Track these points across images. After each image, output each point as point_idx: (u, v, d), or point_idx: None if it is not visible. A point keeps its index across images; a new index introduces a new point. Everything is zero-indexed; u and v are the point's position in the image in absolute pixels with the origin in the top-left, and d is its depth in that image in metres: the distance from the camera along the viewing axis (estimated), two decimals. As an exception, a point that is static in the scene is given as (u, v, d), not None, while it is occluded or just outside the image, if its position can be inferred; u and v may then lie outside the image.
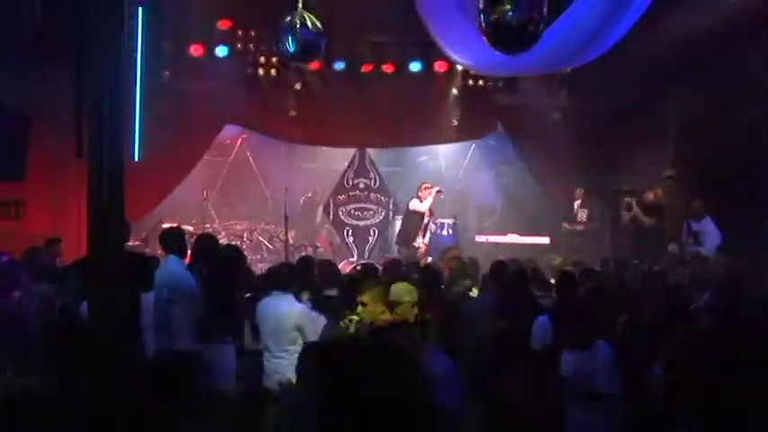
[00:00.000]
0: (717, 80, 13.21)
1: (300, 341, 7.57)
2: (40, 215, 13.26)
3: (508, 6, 7.93)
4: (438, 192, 14.99)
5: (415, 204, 14.95)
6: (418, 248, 14.82)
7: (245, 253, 13.86)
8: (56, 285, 8.18)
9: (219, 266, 7.77)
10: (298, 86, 14.88)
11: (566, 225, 15.73)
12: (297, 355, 6.84)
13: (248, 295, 8.37)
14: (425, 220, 15.00)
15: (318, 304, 8.25)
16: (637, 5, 10.60)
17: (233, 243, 13.21)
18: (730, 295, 7.90)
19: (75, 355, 6.48)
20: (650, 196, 14.72)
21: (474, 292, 9.50)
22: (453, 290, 9.37)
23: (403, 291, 7.52)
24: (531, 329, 7.52)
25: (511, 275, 9.12)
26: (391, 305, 7.36)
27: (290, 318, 7.62)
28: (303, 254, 13.21)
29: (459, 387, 5.75)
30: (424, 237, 14.98)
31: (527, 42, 8.52)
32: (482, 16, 8.48)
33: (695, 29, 11.99)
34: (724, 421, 5.10)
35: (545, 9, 8.38)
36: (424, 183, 15.41)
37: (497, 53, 9.21)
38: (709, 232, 13.34)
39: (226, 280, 7.66)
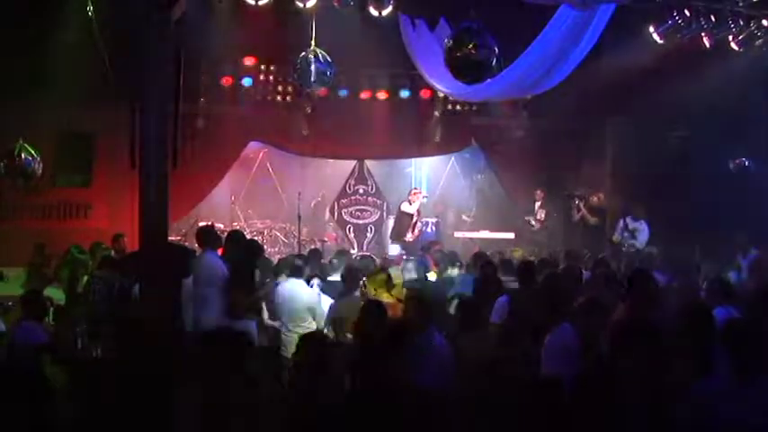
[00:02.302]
0: (647, 106, 13.38)
1: (311, 319, 7.72)
2: (103, 215, 13.45)
3: (471, 47, 8.01)
4: (424, 197, 15.10)
5: (405, 206, 15.05)
6: (408, 242, 14.91)
7: (265, 246, 14.10)
8: (114, 271, 8.28)
9: (244, 257, 7.89)
10: (308, 110, 14.96)
11: (527, 223, 15.89)
12: (308, 330, 7.10)
13: (267, 280, 8.48)
14: (414, 220, 15.09)
15: (324, 289, 8.40)
16: (583, 46, 10.70)
17: (255, 238, 13.28)
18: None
19: (130, 327, 6.65)
20: (595, 199, 14.87)
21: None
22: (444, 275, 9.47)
23: (397, 275, 7.84)
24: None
25: (481, 263, 9.23)
26: (390, 287, 7.64)
27: (302, 300, 7.75)
28: (312, 247, 13.31)
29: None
30: (413, 233, 15.06)
31: (483, 76, 8.60)
32: (447, 53, 8.53)
33: (630, 64, 12.13)
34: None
35: (497, 50, 8.46)
36: (413, 189, 15.53)
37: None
38: (643, 230, 13.51)
39: (249, 268, 7.78)
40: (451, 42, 8.14)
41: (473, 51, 7.93)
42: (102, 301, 7.85)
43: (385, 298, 7.39)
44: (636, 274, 7.21)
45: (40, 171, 10.69)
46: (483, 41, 7.95)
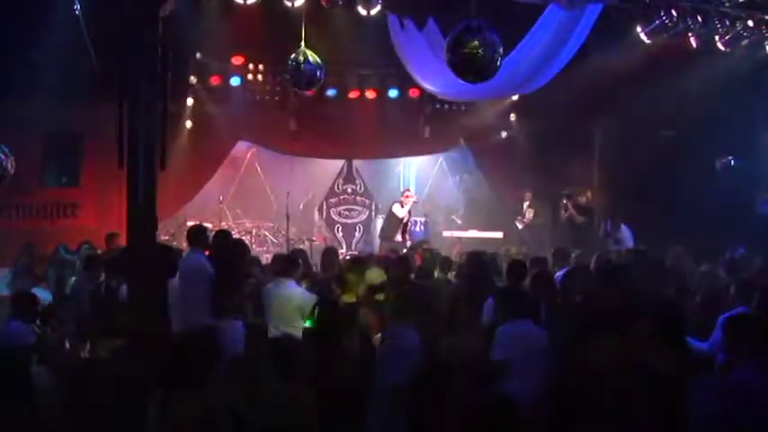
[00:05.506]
0: (634, 105, 13.44)
1: (300, 319, 7.66)
2: (91, 215, 13.36)
3: (477, 45, 7.97)
4: (415, 201, 14.99)
5: (396, 209, 14.88)
6: (397, 243, 14.84)
7: (253, 246, 14.06)
8: (101, 271, 8.21)
9: (230, 256, 7.83)
10: (297, 110, 14.98)
11: (517, 222, 15.89)
12: (298, 330, 7.07)
13: (252, 280, 8.43)
14: (404, 221, 14.97)
15: (313, 288, 8.35)
16: (569, 47, 10.74)
17: (242, 238, 13.21)
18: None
19: (116, 327, 6.63)
20: (582, 199, 14.90)
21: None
22: (436, 277, 9.34)
23: (374, 275, 7.77)
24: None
25: (472, 264, 9.16)
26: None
27: (292, 300, 7.70)
28: (300, 246, 13.26)
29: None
30: (403, 233, 14.97)
31: (489, 74, 8.56)
32: (450, 52, 8.46)
33: (616, 66, 12.18)
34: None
35: (501, 48, 8.45)
36: (405, 191, 15.36)
37: (460, 82, 9.26)
38: (626, 237, 13.56)
39: (235, 267, 7.72)
40: (454, 41, 8.07)
41: (477, 50, 7.88)
42: (89, 301, 7.78)
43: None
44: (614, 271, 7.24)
45: (12, 170, 10.55)
46: (486, 39, 7.90)
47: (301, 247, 13.18)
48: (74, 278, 8.36)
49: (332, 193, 16.99)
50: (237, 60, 14.27)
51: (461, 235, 16.08)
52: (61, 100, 11.59)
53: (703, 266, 9.00)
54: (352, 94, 15.27)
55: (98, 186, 13.06)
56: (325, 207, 16.89)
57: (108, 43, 9.13)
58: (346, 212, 16.95)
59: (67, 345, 6.91)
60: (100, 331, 7.15)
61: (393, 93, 15.28)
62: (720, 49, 11.59)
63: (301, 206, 16.60)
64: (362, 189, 17.07)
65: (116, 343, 6.77)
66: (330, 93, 14.85)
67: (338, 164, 17.03)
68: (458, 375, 4.74)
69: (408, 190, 15.10)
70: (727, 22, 11.13)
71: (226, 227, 13.71)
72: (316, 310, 6.30)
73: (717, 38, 11.36)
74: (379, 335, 6.68)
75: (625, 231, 13.61)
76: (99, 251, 10.19)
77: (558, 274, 8.59)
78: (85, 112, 12.20)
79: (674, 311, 5.91)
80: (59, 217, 13.52)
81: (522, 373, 5.57)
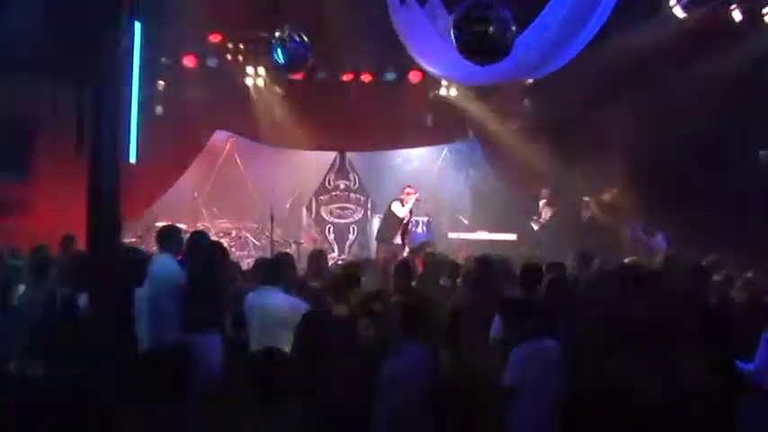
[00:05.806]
0: (664, 91, 13.34)
1: (286, 331, 7.54)
2: (44, 214, 13.16)
3: (484, 24, 7.96)
4: (417, 199, 14.85)
5: (396, 207, 14.71)
6: (397, 245, 14.73)
7: (233, 249, 13.96)
8: (57, 279, 8.07)
9: (204, 262, 7.73)
10: (282, 95, 14.91)
11: (532, 222, 15.78)
12: (284, 345, 6.95)
13: (232, 288, 8.32)
14: (404, 222, 14.85)
15: (302, 295, 8.23)
16: (591, 25, 10.64)
17: (220, 240, 13.08)
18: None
19: (74, 343, 6.48)
20: (607, 196, 14.83)
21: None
22: (441, 285, 9.19)
23: (371, 283, 7.71)
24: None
25: (480, 269, 9.05)
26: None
27: (278, 311, 7.58)
28: (286, 250, 13.16)
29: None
30: (403, 235, 14.84)
31: (500, 54, 8.52)
32: (457, 30, 8.42)
33: (645, 45, 12.10)
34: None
35: (513, 26, 8.41)
36: (407, 186, 15.15)
37: (468, 64, 9.22)
38: (659, 243, 13.49)
39: (210, 274, 7.61)
40: (460, 18, 8.02)
41: (486, 28, 7.84)
42: (42, 313, 7.63)
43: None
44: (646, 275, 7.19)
45: None
46: (497, 16, 7.86)
47: (287, 250, 13.07)
48: (22, 287, 8.21)
49: (322, 189, 16.97)
50: (215, 38, 14.21)
51: (469, 237, 16.06)
52: (6, 80, 11.42)
53: (749, 274, 8.93)
54: (345, 78, 15.34)
55: (53, 180, 12.88)
56: (314, 205, 16.86)
57: (68, 16, 8.98)
58: (339, 211, 16.92)
59: (14, 364, 6.75)
60: (54, 346, 7.01)
61: (391, 76, 15.36)
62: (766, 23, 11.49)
63: (287, 204, 16.53)
64: (357, 185, 17.03)
65: (73, 360, 6.64)
66: (320, 76, 14.83)
67: (329, 156, 17.01)
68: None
69: (410, 186, 14.91)
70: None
71: (202, 227, 13.61)
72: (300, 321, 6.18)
73: (764, 10, 11.24)
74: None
75: (659, 237, 13.51)
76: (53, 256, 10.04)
77: (579, 280, 8.54)
78: (37, 94, 12.04)
79: (718, 323, 5.82)
80: (4, 216, 13.28)
81: (539, 393, 5.63)
